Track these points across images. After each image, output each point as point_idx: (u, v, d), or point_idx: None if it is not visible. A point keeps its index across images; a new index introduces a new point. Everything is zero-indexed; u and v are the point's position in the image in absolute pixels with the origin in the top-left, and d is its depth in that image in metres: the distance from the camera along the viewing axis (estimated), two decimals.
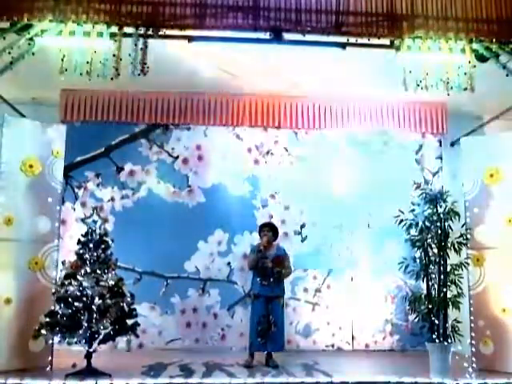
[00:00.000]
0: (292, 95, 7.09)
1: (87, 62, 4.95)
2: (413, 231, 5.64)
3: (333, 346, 6.99)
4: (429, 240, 5.51)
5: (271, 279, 5.79)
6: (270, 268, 5.80)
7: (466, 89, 5.31)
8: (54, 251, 5.48)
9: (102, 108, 7.02)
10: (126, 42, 5.12)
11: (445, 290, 5.38)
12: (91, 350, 5.04)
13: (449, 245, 5.46)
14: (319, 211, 7.28)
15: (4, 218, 5.30)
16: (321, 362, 6.06)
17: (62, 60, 4.95)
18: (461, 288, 5.43)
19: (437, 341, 5.28)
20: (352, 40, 5.32)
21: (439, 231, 5.48)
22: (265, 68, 6.13)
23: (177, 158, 7.27)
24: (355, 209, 7.31)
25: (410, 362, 6.32)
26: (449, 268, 5.43)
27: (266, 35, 5.30)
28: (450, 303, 5.35)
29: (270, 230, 6.07)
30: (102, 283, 5.03)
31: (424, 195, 5.73)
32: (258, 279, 5.85)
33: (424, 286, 5.50)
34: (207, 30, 5.27)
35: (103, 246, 5.24)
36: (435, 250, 5.48)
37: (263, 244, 5.93)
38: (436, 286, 5.43)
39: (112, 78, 5.03)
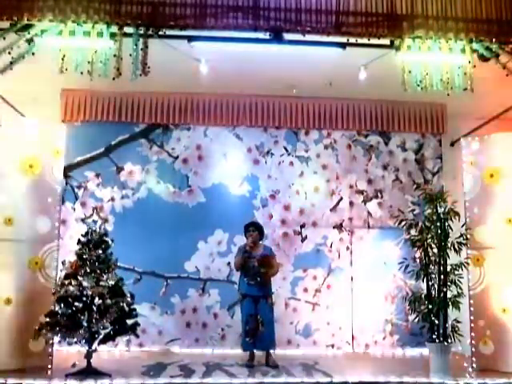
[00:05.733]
0: (292, 95, 7.09)
1: (88, 62, 4.96)
2: (413, 231, 5.64)
3: (333, 346, 6.98)
4: (429, 240, 5.51)
5: (258, 279, 5.79)
6: (256, 268, 5.81)
7: (465, 89, 5.32)
8: (53, 251, 5.48)
9: (102, 108, 7.04)
10: (127, 42, 5.12)
11: (445, 289, 5.39)
12: (91, 349, 5.05)
13: (449, 245, 5.46)
14: (319, 211, 7.28)
15: (4, 217, 5.30)
16: (321, 362, 6.07)
17: (62, 60, 4.96)
18: (461, 288, 5.43)
19: (437, 341, 5.28)
20: (352, 40, 5.33)
21: (439, 231, 5.48)
22: (265, 68, 6.13)
23: (177, 158, 7.27)
24: (355, 209, 7.31)
25: (410, 362, 6.34)
26: (449, 268, 5.43)
27: (266, 35, 5.31)
28: (449, 303, 5.35)
29: (255, 229, 6.02)
30: (102, 283, 5.03)
31: (424, 195, 5.74)
32: (245, 279, 5.85)
33: (424, 286, 5.50)
34: (207, 30, 5.27)
35: (103, 246, 5.24)
36: (435, 250, 5.48)
37: (249, 244, 5.91)
38: (436, 285, 5.43)
39: (114, 78, 5.04)
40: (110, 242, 5.31)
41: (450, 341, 5.29)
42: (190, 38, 5.35)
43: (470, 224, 5.69)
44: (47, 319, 4.93)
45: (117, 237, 5.53)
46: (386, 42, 5.42)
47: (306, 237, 7.22)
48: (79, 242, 5.26)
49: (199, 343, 6.86)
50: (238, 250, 6.11)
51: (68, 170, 6.80)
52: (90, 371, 4.98)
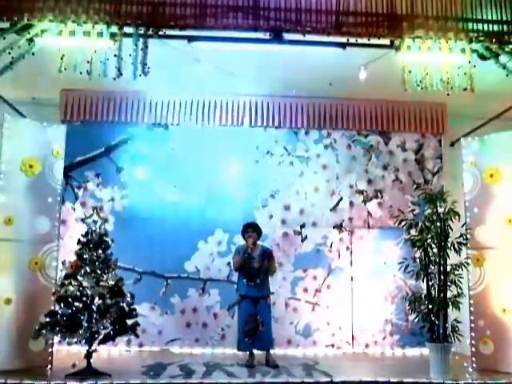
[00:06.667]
0: (292, 95, 7.09)
1: (87, 62, 4.95)
2: (413, 231, 5.64)
3: (333, 345, 6.97)
4: (429, 240, 5.51)
5: (257, 280, 5.81)
6: (256, 269, 5.83)
7: (466, 89, 5.31)
8: (53, 251, 5.48)
9: (102, 108, 7.04)
10: (127, 42, 5.12)
11: (445, 290, 5.39)
12: (91, 350, 5.05)
13: (449, 245, 5.46)
14: (319, 211, 7.28)
15: (4, 217, 5.30)
16: (321, 362, 6.07)
17: (62, 60, 4.96)
18: (461, 288, 5.43)
19: (437, 341, 5.28)
20: (352, 40, 5.33)
21: (439, 231, 5.48)
22: (265, 68, 6.13)
23: (177, 157, 7.26)
24: (355, 209, 7.31)
25: (410, 362, 6.34)
26: (449, 268, 5.43)
27: (266, 35, 5.30)
28: (449, 303, 5.35)
29: (254, 230, 6.07)
30: (102, 283, 5.04)
31: (424, 195, 5.73)
32: (244, 280, 5.87)
33: (424, 286, 5.50)
34: (207, 30, 5.27)
35: (103, 246, 5.25)
36: (435, 250, 5.48)
37: (250, 245, 5.93)
38: (436, 286, 5.43)
39: (114, 78, 5.04)
40: (109, 242, 5.32)
41: (450, 341, 5.29)
42: (190, 38, 5.34)
43: (470, 224, 5.69)
44: (47, 319, 4.94)
45: (117, 237, 5.54)
46: (386, 42, 5.41)
47: (306, 237, 7.22)
48: (79, 242, 5.27)
49: (199, 343, 6.86)
50: (235, 251, 6.14)
51: (68, 169, 6.79)
52: (90, 371, 4.99)
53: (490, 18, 5.48)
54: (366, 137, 7.49)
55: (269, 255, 5.99)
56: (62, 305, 4.95)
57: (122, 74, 5.05)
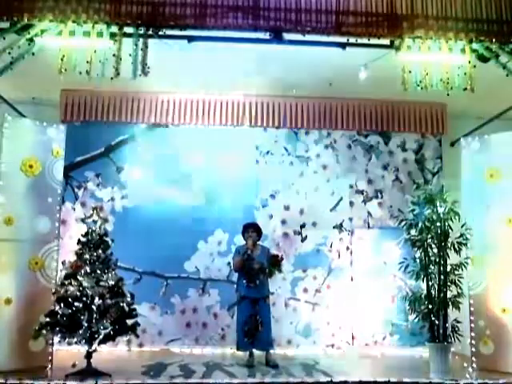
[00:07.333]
0: (292, 95, 7.09)
1: (87, 62, 4.95)
2: (413, 231, 5.64)
3: (333, 346, 6.98)
4: (429, 240, 5.51)
5: (257, 281, 5.81)
6: (255, 270, 5.82)
7: (465, 89, 5.31)
8: (53, 251, 5.48)
9: (102, 108, 7.02)
10: (127, 43, 5.12)
11: (445, 290, 5.39)
12: (91, 350, 5.05)
13: (449, 245, 5.46)
14: (319, 211, 7.28)
15: (4, 217, 5.31)
16: (321, 362, 6.07)
17: (62, 60, 4.96)
18: (461, 288, 5.43)
19: (437, 341, 5.28)
20: (352, 40, 5.33)
21: (439, 231, 5.48)
22: (265, 68, 6.13)
23: (177, 157, 7.27)
24: (355, 209, 7.32)
25: (410, 362, 6.34)
26: (449, 268, 5.44)
27: (266, 35, 5.30)
28: (449, 303, 5.35)
29: (254, 231, 6.07)
30: (102, 283, 5.04)
31: (424, 195, 5.73)
32: (244, 281, 5.86)
33: (424, 286, 5.50)
34: (207, 30, 5.26)
35: (103, 246, 5.25)
36: (435, 250, 5.49)
37: (250, 246, 5.92)
38: (436, 286, 5.43)
39: (112, 78, 5.03)
40: (109, 242, 5.33)
41: (449, 341, 5.29)
42: (190, 38, 5.34)
43: (470, 224, 5.69)
44: (47, 319, 4.94)
45: (117, 237, 5.55)
46: (386, 42, 5.41)
47: (306, 237, 7.23)
48: (79, 242, 5.27)
49: (199, 343, 6.86)
50: (235, 251, 6.13)
51: (68, 169, 6.80)
52: (90, 371, 4.98)
53: (490, 18, 5.47)
54: (365, 137, 7.50)
55: (277, 261, 6.00)
56: (61, 305, 4.95)
57: (119, 74, 5.04)
